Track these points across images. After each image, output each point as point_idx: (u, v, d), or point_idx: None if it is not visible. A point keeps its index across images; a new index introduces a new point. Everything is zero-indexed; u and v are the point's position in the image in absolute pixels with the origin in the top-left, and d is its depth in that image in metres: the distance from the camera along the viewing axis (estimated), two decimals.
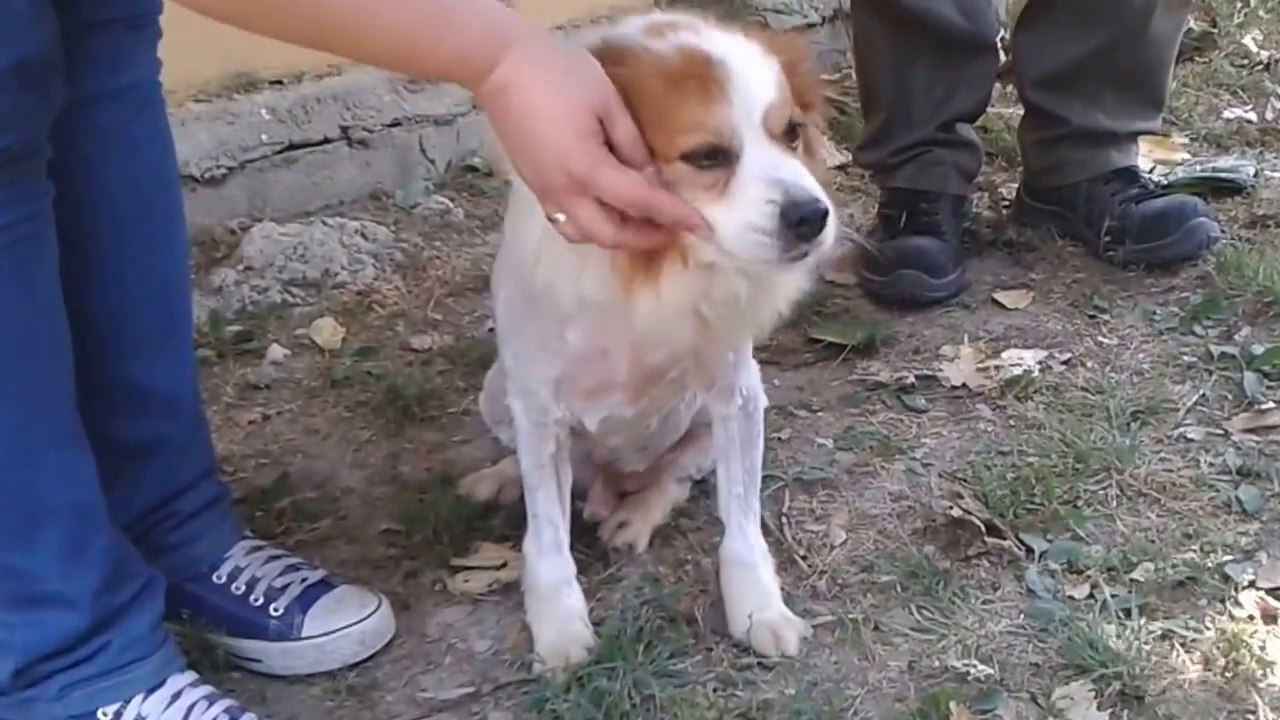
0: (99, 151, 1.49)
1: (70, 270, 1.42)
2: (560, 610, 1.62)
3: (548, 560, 1.63)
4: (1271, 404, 2.02)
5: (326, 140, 2.70)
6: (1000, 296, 2.40)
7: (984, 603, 1.67)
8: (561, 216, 1.26)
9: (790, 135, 1.29)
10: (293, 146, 2.66)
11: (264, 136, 2.60)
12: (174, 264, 1.62)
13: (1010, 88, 2.83)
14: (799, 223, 1.23)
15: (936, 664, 1.57)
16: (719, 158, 1.26)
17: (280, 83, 2.66)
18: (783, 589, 1.67)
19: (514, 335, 1.56)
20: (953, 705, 1.49)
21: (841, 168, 2.91)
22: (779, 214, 1.23)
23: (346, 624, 1.61)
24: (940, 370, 2.17)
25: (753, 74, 1.27)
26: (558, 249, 1.32)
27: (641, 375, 1.52)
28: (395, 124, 2.79)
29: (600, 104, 1.23)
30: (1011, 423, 2.03)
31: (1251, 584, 1.67)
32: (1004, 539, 1.76)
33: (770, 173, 1.25)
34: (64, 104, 1.35)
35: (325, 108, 2.68)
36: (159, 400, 1.60)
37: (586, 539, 1.78)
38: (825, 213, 1.24)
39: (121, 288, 1.54)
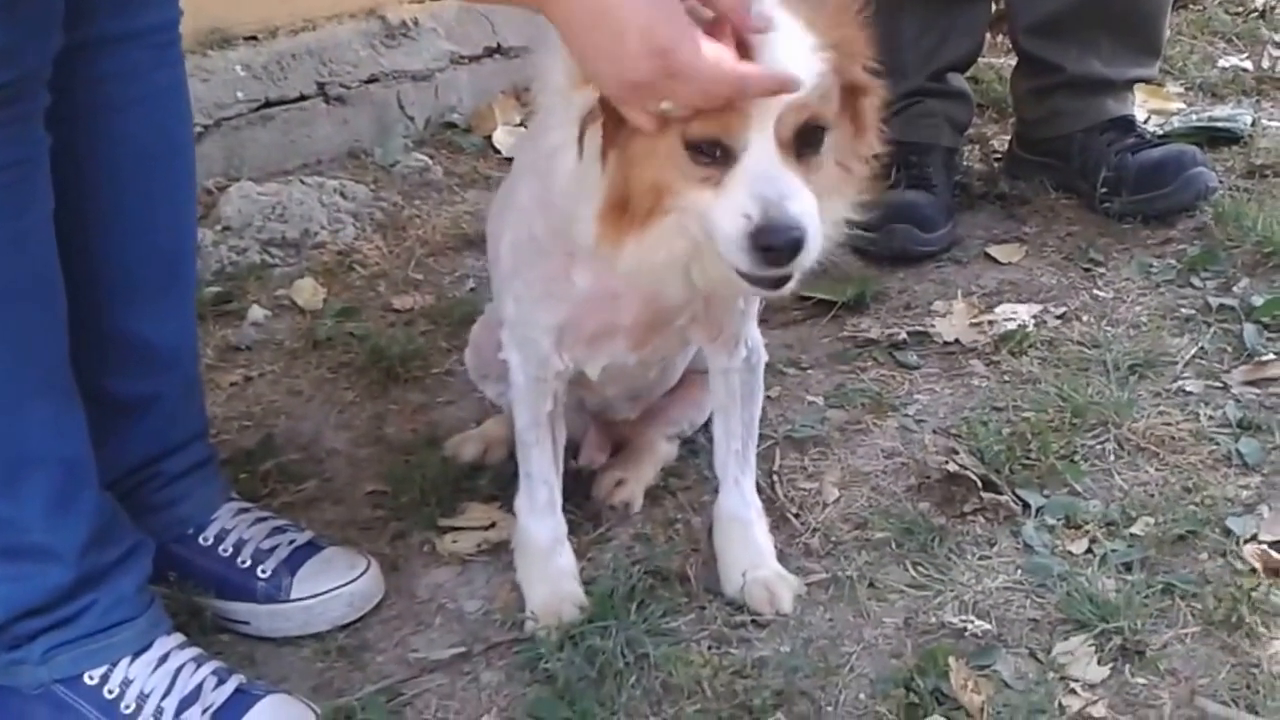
0: (115, 97, 1.46)
1: (74, 219, 1.39)
2: (552, 569, 1.60)
3: (540, 519, 1.61)
4: (1271, 355, 2.00)
5: (303, 97, 2.67)
6: (993, 251, 2.37)
7: (980, 559, 1.65)
8: (667, 104, 1.19)
9: (808, 138, 1.24)
10: (269, 104, 2.62)
11: (239, 94, 2.57)
12: (181, 218, 1.59)
13: (1001, 37, 2.78)
14: (766, 248, 1.20)
15: (933, 620, 1.56)
16: (720, 153, 1.22)
17: (255, 38, 2.63)
18: (776, 547, 1.65)
19: (518, 280, 1.52)
20: (951, 661, 1.47)
21: None
22: (749, 233, 1.20)
23: (335, 585, 1.59)
24: (932, 326, 2.14)
25: (787, 63, 1.21)
26: (586, 184, 1.27)
27: (648, 320, 1.49)
28: (372, 80, 2.75)
29: None
30: (1006, 378, 2.01)
31: (1254, 537, 1.65)
32: (1000, 494, 1.73)
33: (757, 184, 1.20)
34: (74, 45, 1.31)
35: (301, 64, 2.65)
36: (158, 357, 1.58)
37: (577, 498, 1.76)
38: (797, 242, 1.19)
39: (127, 240, 1.51)
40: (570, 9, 1.18)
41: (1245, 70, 3.05)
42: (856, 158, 1.33)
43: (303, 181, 2.55)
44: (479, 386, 1.85)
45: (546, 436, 1.59)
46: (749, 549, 1.62)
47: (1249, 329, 2.06)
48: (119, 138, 1.48)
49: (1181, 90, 2.96)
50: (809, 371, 2.07)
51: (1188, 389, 1.95)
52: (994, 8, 2.60)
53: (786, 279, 1.26)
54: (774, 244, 1.19)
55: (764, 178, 1.21)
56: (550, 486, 1.60)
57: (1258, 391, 1.93)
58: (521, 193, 1.48)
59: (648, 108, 1.21)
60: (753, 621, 1.57)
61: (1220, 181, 2.45)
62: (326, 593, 1.59)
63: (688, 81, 1.17)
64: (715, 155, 1.22)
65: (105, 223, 1.49)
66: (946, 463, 1.77)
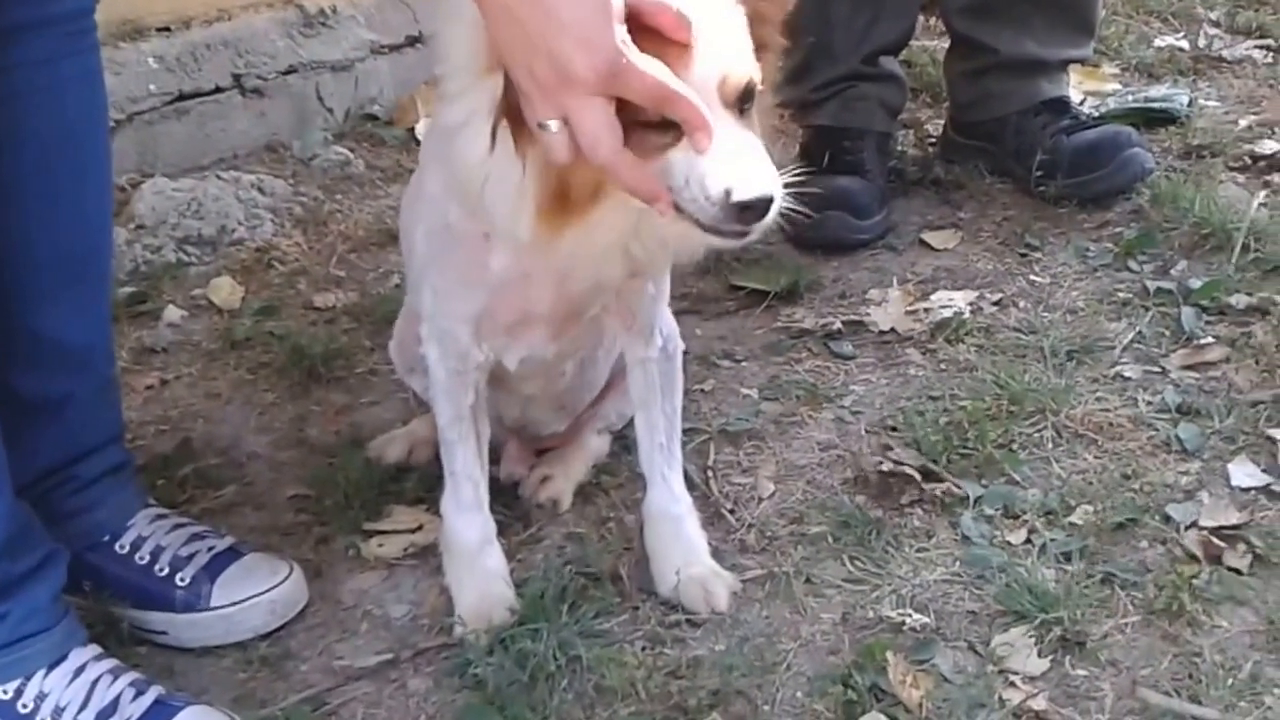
0: (22, 86, 1.41)
1: None
2: (481, 571, 1.56)
3: (467, 519, 1.56)
4: (1210, 339, 1.99)
5: (218, 89, 2.60)
6: (928, 237, 2.35)
7: (918, 551, 1.62)
8: (555, 124, 1.16)
9: (744, 98, 1.22)
10: (183, 97, 2.55)
11: (152, 87, 2.50)
12: (97, 212, 1.55)
13: (934, 19, 2.76)
14: (743, 209, 1.19)
15: (871, 615, 1.53)
16: (670, 123, 1.19)
17: (168, 29, 2.56)
18: (711, 543, 1.61)
19: (434, 270, 1.48)
20: (889, 656, 1.44)
21: None
22: (724, 198, 1.18)
23: (256, 592, 1.55)
24: (867, 315, 2.11)
25: (718, 36, 1.19)
26: (504, 169, 1.24)
27: (563, 307, 1.46)
28: (290, 71, 2.68)
29: None
30: (942, 366, 1.98)
31: (1194, 524, 1.63)
32: (938, 483, 1.70)
33: (720, 149, 1.18)
34: None
35: (216, 55, 2.58)
36: (71, 355, 1.53)
37: (505, 498, 1.71)
38: (770, 201, 1.19)
39: (40, 234, 1.46)
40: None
41: (1181, 49, 3.05)
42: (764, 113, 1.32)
43: (219, 177, 2.49)
44: (406, 381, 1.80)
45: (470, 432, 1.54)
46: (681, 546, 1.58)
47: (1187, 312, 2.04)
48: (27, 128, 1.43)
49: (1117, 70, 2.95)
50: (743, 364, 2.03)
51: (1126, 374, 1.93)
52: None
53: (749, 232, 1.25)
54: (752, 203, 1.19)
55: (732, 146, 1.19)
56: (476, 484, 1.56)
57: (1196, 376, 1.92)
58: (431, 182, 1.44)
59: (548, 116, 1.16)
60: (687, 621, 1.54)
61: (1157, 163, 2.43)
62: (247, 600, 1.55)
63: (625, 86, 1.14)
64: (668, 124, 1.19)
65: (11, 215, 1.44)
66: (882, 462, 1.74)
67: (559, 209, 1.25)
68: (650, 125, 1.19)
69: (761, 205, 1.19)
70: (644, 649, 1.49)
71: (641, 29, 1.16)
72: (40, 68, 1.43)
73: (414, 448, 1.81)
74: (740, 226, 1.21)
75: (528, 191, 1.24)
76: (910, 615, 1.52)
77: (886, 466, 1.72)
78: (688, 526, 1.59)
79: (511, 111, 1.21)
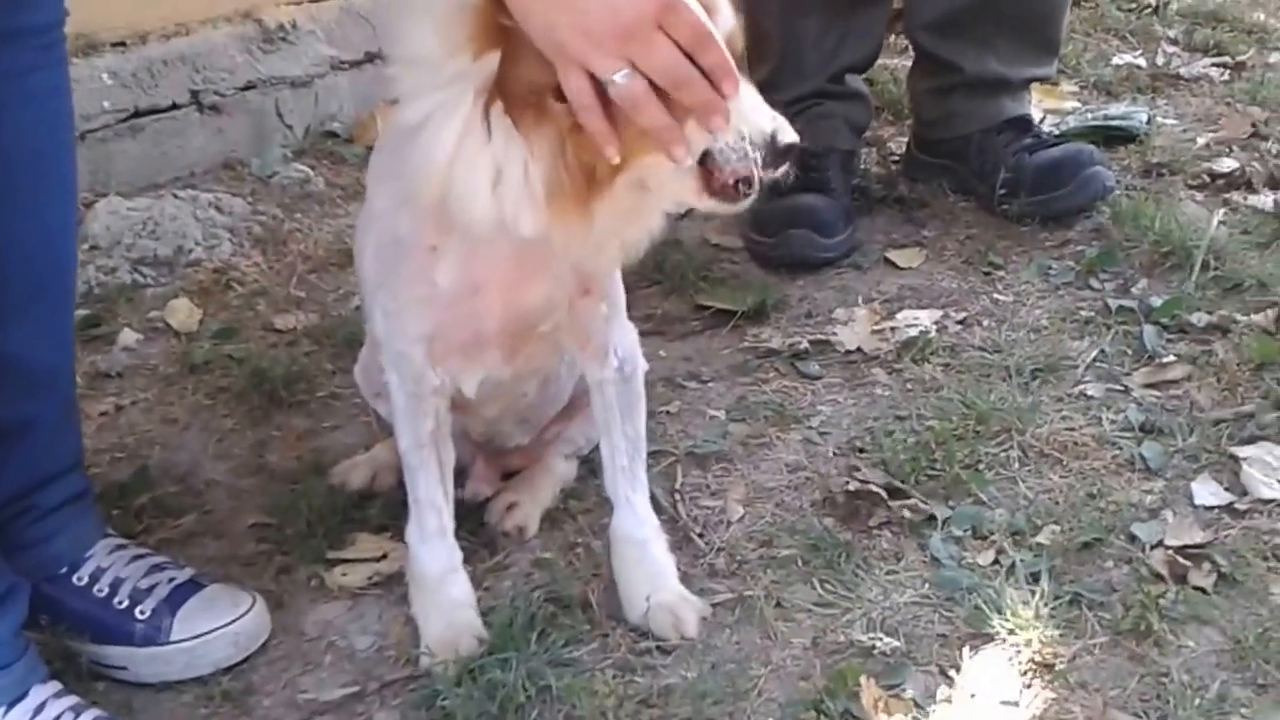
0: None
1: None
2: (447, 600, 1.54)
3: (432, 548, 1.54)
4: (1171, 357, 2.00)
5: (175, 106, 2.56)
6: (893, 255, 2.35)
7: (888, 573, 1.62)
8: (624, 72, 1.14)
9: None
10: (138, 114, 2.51)
11: (106, 103, 2.45)
12: (62, 230, 1.52)
13: (895, 38, 2.77)
14: (784, 151, 1.24)
15: (841, 639, 1.52)
16: None
17: (123, 44, 2.51)
18: (680, 568, 1.60)
19: (383, 290, 1.46)
20: (861, 681, 1.43)
21: None
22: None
23: (218, 625, 1.52)
24: (834, 334, 2.11)
25: None
26: (475, 158, 1.21)
27: (513, 324, 1.44)
28: (249, 87, 2.64)
29: None
30: (909, 386, 1.98)
31: (1159, 543, 1.64)
32: (906, 503, 1.70)
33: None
34: None
35: (173, 70, 2.53)
36: (36, 376, 1.50)
37: (471, 524, 1.69)
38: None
39: (7, 251, 1.43)
40: None
41: (1139, 67, 3.07)
42: None
43: (175, 195, 2.45)
44: (371, 405, 1.77)
45: (432, 459, 1.52)
46: (649, 571, 1.57)
47: (1148, 330, 2.05)
48: (4, 143, 1.40)
49: (1076, 88, 2.97)
50: (710, 384, 2.02)
51: (1089, 393, 1.94)
52: (891, 5, 2.59)
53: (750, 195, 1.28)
54: (790, 142, 1.24)
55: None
56: (439, 512, 1.54)
57: (1158, 394, 1.93)
58: (379, 199, 1.43)
59: (614, 69, 1.15)
60: (658, 648, 1.52)
61: (1117, 181, 2.45)
62: (209, 633, 1.52)
63: (676, 21, 1.15)
64: None
65: None
66: (849, 483, 1.73)
67: (570, 195, 1.22)
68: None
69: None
70: (615, 677, 1.48)
71: None
72: (9, 81, 1.40)
73: (378, 473, 1.78)
74: (774, 171, 1.24)
75: (535, 179, 1.21)
76: (881, 639, 1.51)
77: (853, 486, 1.72)
78: (654, 550, 1.58)
79: (515, 94, 1.18)
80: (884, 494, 1.71)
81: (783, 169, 1.25)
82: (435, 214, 1.28)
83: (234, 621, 1.53)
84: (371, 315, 1.52)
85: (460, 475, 1.67)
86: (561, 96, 1.19)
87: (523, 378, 1.56)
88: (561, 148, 1.21)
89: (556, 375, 1.63)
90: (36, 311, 1.49)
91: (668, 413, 1.94)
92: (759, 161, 1.22)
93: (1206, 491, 1.73)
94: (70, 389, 1.58)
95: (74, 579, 1.55)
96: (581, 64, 1.15)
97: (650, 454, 1.80)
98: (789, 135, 1.23)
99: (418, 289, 1.40)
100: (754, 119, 1.22)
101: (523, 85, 1.19)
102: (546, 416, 1.72)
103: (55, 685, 1.40)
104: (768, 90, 2.40)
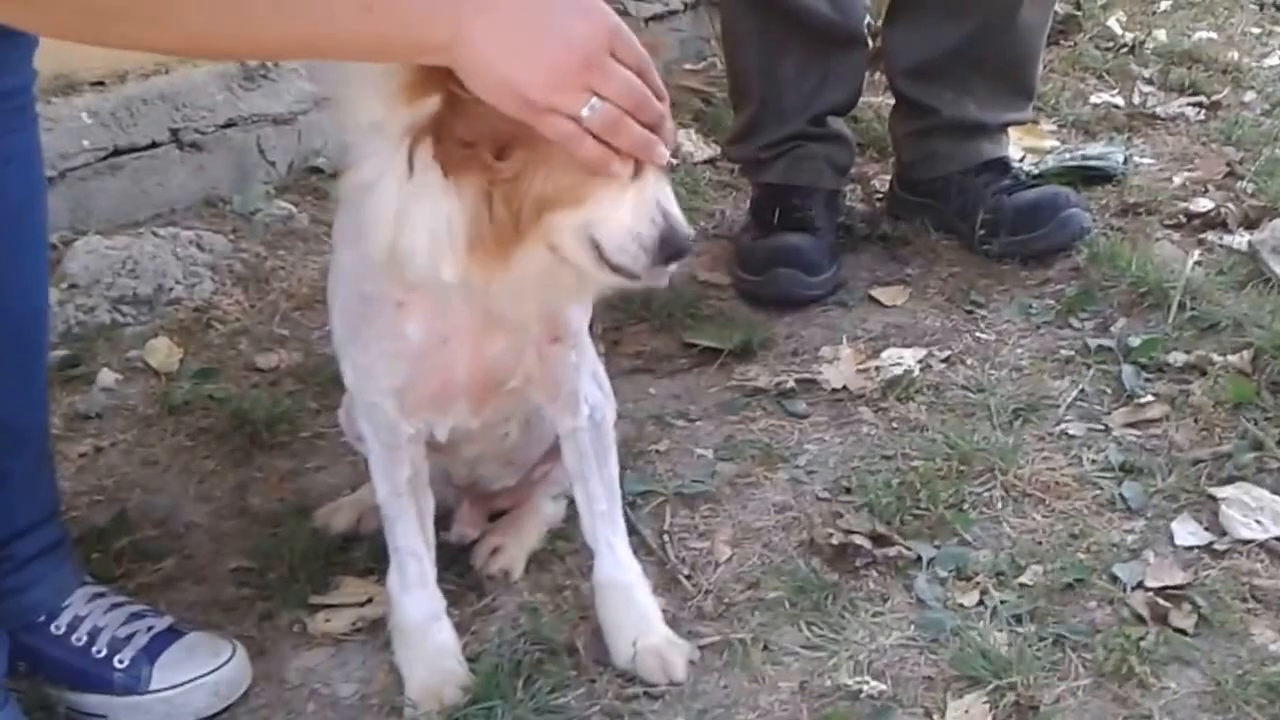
0: None
1: None
2: (430, 648, 1.53)
3: (413, 596, 1.54)
4: (1150, 397, 2.01)
5: (155, 144, 2.54)
6: (877, 293, 2.36)
7: (874, 615, 1.62)
8: (593, 102, 1.16)
9: None
10: (118, 152, 2.49)
11: (85, 142, 2.43)
12: (37, 286, 1.52)
13: (878, 75, 2.80)
14: (672, 253, 1.24)
15: (828, 683, 1.52)
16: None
17: (102, 84, 2.49)
18: (667, 611, 1.60)
19: (352, 345, 1.47)
20: None
21: (710, 161, 2.85)
22: (659, 238, 1.23)
23: (198, 674, 1.51)
24: (820, 373, 2.12)
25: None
26: (425, 206, 1.22)
27: (481, 375, 1.44)
28: (230, 124, 2.63)
29: None
30: (894, 425, 1.99)
31: (1140, 584, 1.65)
32: (891, 547, 1.71)
33: (659, 191, 1.23)
34: None
35: (153, 109, 2.52)
36: (8, 431, 1.50)
37: (457, 568, 1.69)
38: (688, 250, 1.25)
39: None
40: (491, 22, 1.13)
41: (1117, 106, 3.10)
42: None
43: (155, 234, 2.42)
44: (356, 447, 1.75)
45: (410, 507, 1.53)
46: (634, 615, 1.57)
47: (1127, 370, 2.07)
48: None
49: (1055, 127, 2.99)
50: (697, 423, 2.02)
51: (1070, 432, 1.95)
52: (871, 46, 2.62)
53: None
54: (681, 249, 1.24)
55: (661, 184, 1.24)
56: (420, 559, 1.54)
57: (1138, 434, 1.94)
58: (343, 258, 1.44)
59: (581, 102, 1.16)
60: (645, 693, 1.51)
61: (1095, 221, 2.47)
62: (189, 682, 1.51)
63: (624, 46, 1.17)
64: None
65: None
66: (832, 535, 1.73)
67: (491, 244, 1.24)
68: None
69: (686, 252, 1.24)
70: None
71: None
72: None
73: (362, 516, 1.77)
74: (659, 270, 1.24)
75: (457, 226, 1.23)
76: (867, 682, 1.51)
77: (837, 540, 1.72)
78: (639, 595, 1.58)
79: (447, 143, 1.20)
80: (869, 542, 1.71)
81: (672, 267, 1.26)
82: (394, 270, 1.29)
83: (214, 671, 1.52)
84: (342, 367, 1.52)
85: (445, 518, 1.68)
86: (499, 151, 1.21)
87: (493, 426, 1.56)
88: (488, 199, 1.22)
89: (541, 417, 1.63)
90: (10, 365, 1.49)
91: (656, 451, 1.94)
92: (644, 261, 1.23)
93: (1186, 531, 1.74)
94: (44, 441, 1.58)
95: (51, 627, 1.54)
96: (549, 107, 1.16)
97: (639, 494, 1.82)
98: (680, 238, 1.23)
99: (386, 344, 1.41)
100: (633, 225, 1.22)
101: (455, 137, 1.20)
102: (533, 457, 1.71)
103: None
104: (749, 133, 2.48)
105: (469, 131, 1.20)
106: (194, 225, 2.51)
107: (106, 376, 2.15)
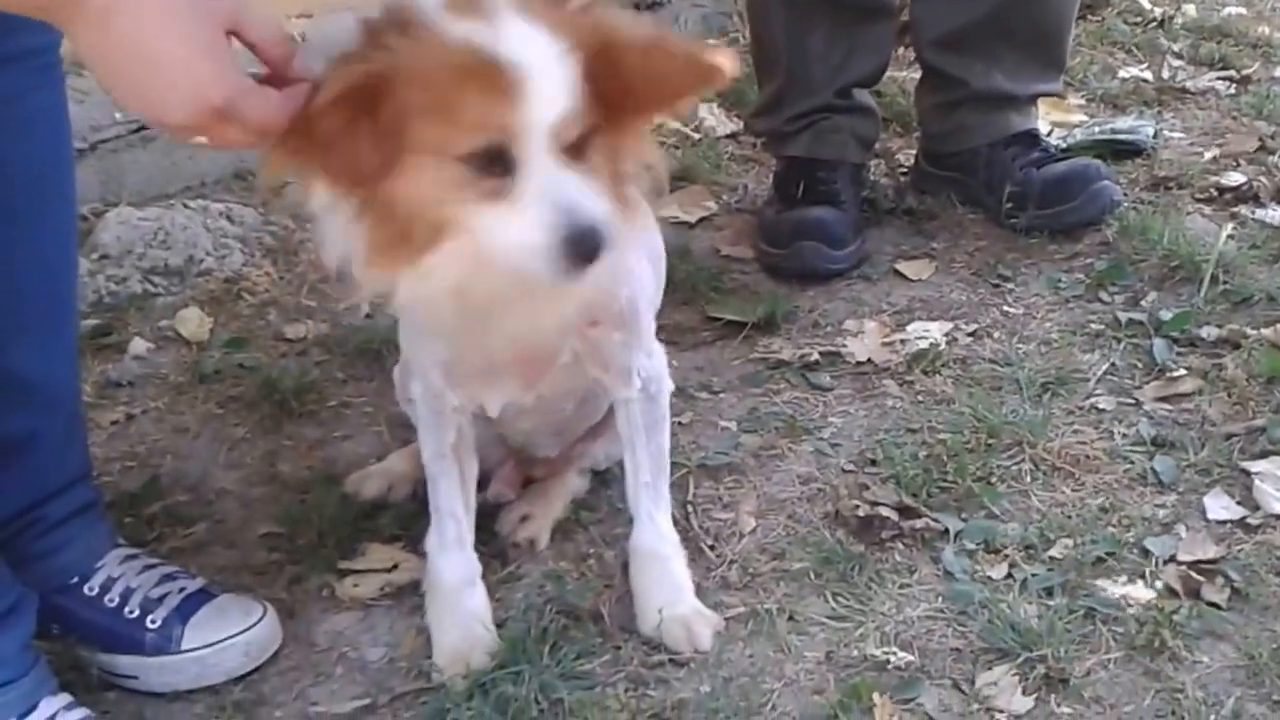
0: None
1: None
2: (463, 611, 1.54)
3: (450, 557, 1.55)
4: (1182, 371, 2.00)
5: None
6: (902, 267, 2.35)
7: (901, 587, 1.61)
8: (203, 139, 1.16)
9: (578, 142, 1.22)
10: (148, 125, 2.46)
11: (117, 115, 2.43)
12: (65, 248, 1.54)
13: (903, 50, 2.78)
14: (577, 256, 1.19)
15: (855, 653, 1.52)
16: (499, 164, 1.19)
17: None
18: (693, 580, 1.60)
19: (402, 315, 1.48)
20: (875, 696, 1.43)
21: (732, 135, 2.84)
22: (559, 240, 1.18)
23: (230, 634, 1.52)
24: (844, 346, 2.11)
25: (547, 77, 1.18)
26: (333, 227, 1.24)
27: (528, 353, 1.44)
28: None
29: (227, 15, 1.12)
30: (920, 398, 1.98)
31: (1172, 558, 1.64)
32: (918, 519, 1.70)
33: (552, 192, 1.19)
34: None
35: None
36: (40, 392, 1.50)
37: (483, 535, 1.68)
38: (602, 247, 1.19)
39: (9, 270, 1.43)
40: (103, 41, 1.08)
41: (1145, 81, 3.07)
42: (630, 162, 1.31)
43: (186, 205, 2.43)
44: (403, 408, 1.75)
45: (453, 469, 1.53)
46: (666, 585, 1.57)
47: (1158, 344, 2.05)
48: (5, 164, 1.40)
49: (1083, 101, 2.97)
50: (721, 395, 2.02)
51: (1100, 406, 1.94)
52: (898, 20, 2.60)
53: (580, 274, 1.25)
54: (585, 251, 1.19)
55: (560, 185, 1.20)
56: (459, 522, 1.55)
57: (1169, 408, 1.93)
58: None
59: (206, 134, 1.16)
60: (670, 661, 1.52)
61: (1125, 195, 2.45)
62: (220, 642, 1.52)
63: (248, 123, 1.13)
64: (495, 165, 1.19)
65: None
66: (858, 506, 1.72)
67: (388, 251, 1.23)
68: (479, 173, 1.18)
69: (596, 251, 1.19)
70: (627, 691, 1.47)
71: (466, 73, 1.16)
72: (10, 102, 1.40)
73: (392, 484, 1.78)
74: (575, 273, 1.20)
75: (357, 240, 1.23)
76: (895, 653, 1.51)
77: (863, 511, 1.71)
78: (674, 566, 1.58)
79: (331, 162, 1.20)
80: (896, 514, 1.70)
81: (597, 267, 1.21)
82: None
83: (245, 631, 1.53)
84: (401, 332, 1.54)
85: (484, 478, 1.68)
86: (364, 180, 1.21)
87: (551, 401, 1.56)
88: (390, 203, 1.21)
89: (595, 393, 1.63)
90: (41, 327, 1.50)
91: (680, 423, 1.93)
92: (557, 268, 1.20)
93: (1219, 506, 1.73)
94: (75, 403, 1.59)
95: (85, 589, 1.54)
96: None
97: None
98: (591, 237, 1.19)
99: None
100: (529, 236, 1.19)
101: (328, 171, 1.21)
102: (581, 430, 1.72)
103: (65, 697, 1.40)
104: (774, 106, 2.46)
105: (334, 169, 1.20)
106: (224, 198, 2.52)
107: (138, 345, 2.16)
